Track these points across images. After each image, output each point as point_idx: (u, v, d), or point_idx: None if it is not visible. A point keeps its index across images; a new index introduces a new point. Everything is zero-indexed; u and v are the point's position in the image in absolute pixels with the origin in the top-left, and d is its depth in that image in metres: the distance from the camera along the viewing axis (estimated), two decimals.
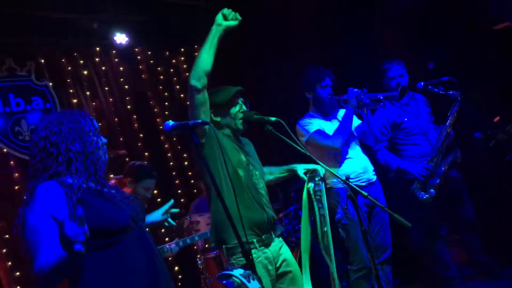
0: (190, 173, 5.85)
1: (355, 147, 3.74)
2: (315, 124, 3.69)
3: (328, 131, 3.64)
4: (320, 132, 3.63)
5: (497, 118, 3.74)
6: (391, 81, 3.95)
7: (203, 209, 4.88)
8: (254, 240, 2.55)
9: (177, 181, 5.72)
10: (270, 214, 2.69)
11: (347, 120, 3.58)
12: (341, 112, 3.80)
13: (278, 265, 2.66)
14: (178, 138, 5.82)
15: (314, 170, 2.79)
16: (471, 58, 4.15)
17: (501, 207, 4.20)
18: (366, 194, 2.42)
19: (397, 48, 4.54)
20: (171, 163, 5.73)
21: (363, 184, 3.64)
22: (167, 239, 4.37)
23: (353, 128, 3.76)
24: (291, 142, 2.71)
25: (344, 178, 2.56)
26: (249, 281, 1.72)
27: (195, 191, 5.76)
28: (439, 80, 3.78)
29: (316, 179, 2.75)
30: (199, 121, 2.05)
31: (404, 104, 4.01)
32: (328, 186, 3.72)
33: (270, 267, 2.61)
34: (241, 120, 2.82)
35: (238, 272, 1.76)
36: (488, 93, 4.00)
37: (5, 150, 4.52)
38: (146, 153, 5.52)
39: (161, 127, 5.78)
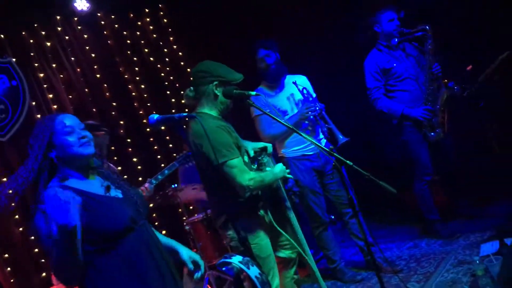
0: (167, 137, 5.80)
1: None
2: (263, 105, 3.68)
3: (272, 111, 3.69)
4: (263, 120, 3.78)
5: (470, 67, 3.79)
6: (390, 23, 3.98)
7: (192, 179, 4.85)
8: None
9: (155, 147, 5.67)
10: None
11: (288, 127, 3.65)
12: (289, 84, 3.89)
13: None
14: (152, 103, 5.73)
15: (261, 151, 3.04)
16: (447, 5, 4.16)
17: (479, 152, 4.35)
18: (351, 163, 2.45)
19: None
20: (148, 130, 5.65)
21: (311, 153, 3.88)
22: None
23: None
24: (272, 116, 2.73)
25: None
26: (248, 268, 1.76)
27: (174, 155, 5.72)
28: (413, 35, 3.81)
29: (261, 157, 3.00)
30: (184, 114, 2.02)
31: (391, 50, 4.06)
32: (279, 155, 3.91)
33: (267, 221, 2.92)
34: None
35: (236, 260, 1.80)
36: (463, 42, 4.03)
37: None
38: (121, 122, 5.42)
39: (134, 94, 5.67)
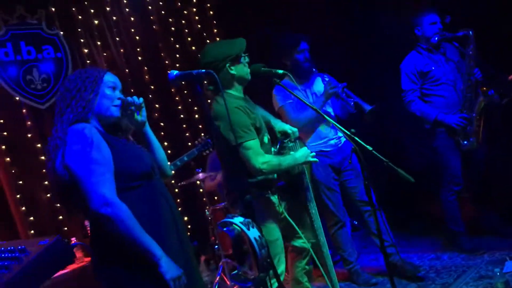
0: (200, 126, 5.86)
1: (327, 109, 3.83)
2: (289, 95, 3.63)
3: (300, 103, 3.65)
4: (290, 107, 3.74)
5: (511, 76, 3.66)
6: (432, 26, 3.89)
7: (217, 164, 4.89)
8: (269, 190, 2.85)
9: (187, 134, 5.74)
10: None
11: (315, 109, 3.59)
12: (318, 81, 3.90)
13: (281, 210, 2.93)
14: (188, 90, 5.82)
15: (285, 134, 3.03)
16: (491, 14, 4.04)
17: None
18: (371, 148, 2.41)
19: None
20: (181, 116, 5.74)
21: (328, 149, 3.83)
22: None
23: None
24: (297, 96, 2.72)
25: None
26: (248, 229, 1.75)
27: (208, 151, 5.77)
28: (454, 35, 3.72)
29: (286, 141, 2.99)
30: (203, 70, 2.04)
31: (431, 53, 3.96)
32: None
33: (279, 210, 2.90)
34: (249, 71, 2.84)
35: (238, 220, 1.79)
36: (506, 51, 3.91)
37: (17, 98, 4.56)
38: (156, 105, 5.53)
39: None
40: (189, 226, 5.53)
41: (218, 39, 6.21)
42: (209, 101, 2.93)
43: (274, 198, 2.89)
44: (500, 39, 4.00)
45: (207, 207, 4.71)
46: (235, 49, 2.81)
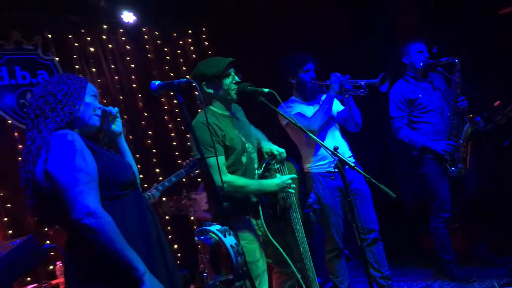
0: (192, 153, 5.86)
1: (334, 132, 3.76)
2: (296, 107, 3.72)
3: (308, 115, 3.66)
4: (299, 115, 3.66)
5: (498, 102, 3.71)
6: (419, 55, 3.96)
7: None
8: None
9: (179, 161, 5.74)
10: None
11: (327, 104, 3.60)
12: (324, 98, 3.82)
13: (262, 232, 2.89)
14: (182, 119, 5.85)
15: (272, 155, 2.98)
16: (480, 41, 4.13)
17: (501, 194, 4.17)
18: (353, 165, 2.43)
19: (408, 32, 4.51)
20: (174, 143, 5.76)
21: (336, 170, 3.65)
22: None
23: (334, 113, 3.80)
24: (283, 114, 2.74)
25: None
26: (225, 236, 1.74)
27: (197, 171, 5.78)
28: (438, 61, 3.79)
29: (271, 165, 2.94)
30: (184, 80, 2.07)
31: (418, 81, 4.03)
32: (304, 171, 3.80)
33: (259, 233, 2.85)
34: (235, 91, 2.88)
35: (215, 228, 1.78)
36: (493, 77, 3.98)
37: (9, 121, 4.59)
38: (149, 132, 5.56)
39: (166, 107, 5.83)
40: (178, 255, 5.47)
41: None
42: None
43: (254, 221, 2.87)
44: (485, 65, 4.07)
45: (203, 258, 4.67)
46: (212, 70, 2.87)
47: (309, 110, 3.74)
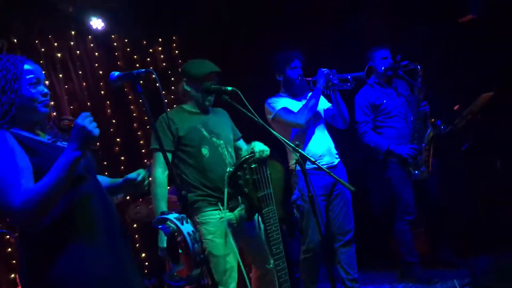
0: None
1: (320, 129, 3.76)
2: (282, 102, 3.72)
3: (295, 109, 3.66)
4: (285, 109, 3.65)
5: (457, 106, 3.82)
6: (383, 61, 4.07)
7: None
8: (219, 203, 2.88)
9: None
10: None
11: (313, 98, 3.60)
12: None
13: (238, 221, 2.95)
14: (151, 126, 5.82)
15: (250, 155, 2.87)
16: (439, 48, 4.27)
17: (463, 198, 4.28)
18: (313, 159, 2.46)
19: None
20: (143, 150, 5.72)
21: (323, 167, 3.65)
22: None
23: (321, 111, 3.81)
24: (245, 112, 2.76)
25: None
26: (182, 224, 1.74)
27: None
28: (399, 64, 3.90)
29: (248, 163, 2.81)
30: (142, 70, 2.08)
31: (383, 87, 4.12)
32: (289, 168, 3.79)
33: (234, 226, 2.92)
34: (209, 102, 3.05)
35: (172, 216, 1.78)
36: (452, 83, 4.11)
37: None
38: (117, 139, 5.52)
39: (134, 115, 5.80)
40: (146, 263, 5.40)
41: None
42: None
43: (223, 214, 2.89)
44: (445, 70, 4.20)
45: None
46: (195, 71, 3.00)
47: (296, 105, 3.72)
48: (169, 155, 2.89)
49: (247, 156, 2.81)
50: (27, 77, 1.89)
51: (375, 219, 4.72)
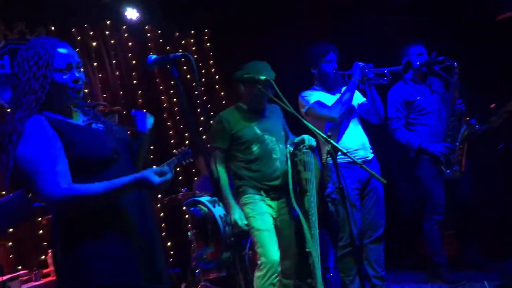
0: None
1: (354, 123, 3.70)
2: (316, 95, 3.68)
3: (329, 103, 3.61)
4: (319, 103, 3.61)
5: (493, 105, 3.73)
6: (419, 57, 3.98)
7: (205, 188, 4.90)
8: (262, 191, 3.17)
9: None
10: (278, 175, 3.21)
11: (348, 92, 3.55)
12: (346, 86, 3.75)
13: (275, 216, 3.20)
14: (181, 118, 5.89)
15: (302, 140, 3.15)
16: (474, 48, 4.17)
17: (495, 199, 4.18)
18: (345, 151, 2.45)
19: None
20: (172, 141, 5.79)
21: (357, 161, 3.59)
22: None
23: (356, 105, 3.76)
24: (279, 102, 2.77)
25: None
26: (214, 206, 1.75)
27: (193, 170, 5.81)
28: (434, 60, 3.82)
29: (301, 146, 3.12)
30: (179, 54, 2.09)
31: (417, 84, 4.05)
32: (323, 162, 3.75)
33: (272, 212, 3.18)
34: (262, 104, 3.27)
35: (205, 199, 1.79)
36: (488, 82, 4.01)
37: (9, 110, 4.61)
38: None
39: (165, 105, 5.87)
40: (171, 252, 5.46)
41: (213, 70, 6.36)
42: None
43: (267, 200, 3.17)
44: (483, 69, 4.10)
45: (190, 231, 4.65)
46: (249, 72, 3.11)
47: (330, 99, 3.66)
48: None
49: (299, 141, 3.16)
50: (59, 62, 1.89)
51: (404, 218, 4.64)
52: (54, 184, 1.74)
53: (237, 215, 3.07)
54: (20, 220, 1.75)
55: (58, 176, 1.76)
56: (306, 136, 3.17)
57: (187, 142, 5.77)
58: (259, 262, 3.03)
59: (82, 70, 1.99)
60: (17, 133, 1.78)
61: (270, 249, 3.03)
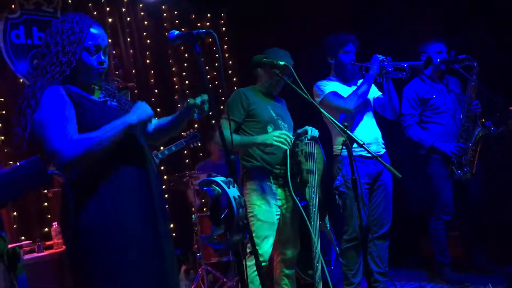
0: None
1: (369, 117, 3.65)
2: (331, 85, 3.63)
3: (344, 94, 3.57)
4: (334, 93, 3.56)
5: None
6: (439, 55, 3.93)
7: (206, 170, 4.91)
8: (271, 177, 3.08)
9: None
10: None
11: (365, 84, 3.50)
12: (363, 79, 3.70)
13: (280, 204, 3.11)
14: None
15: (304, 131, 3.08)
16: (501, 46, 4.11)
17: (504, 203, 4.13)
18: (362, 142, 2.41)
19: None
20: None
21: (369, 155, 3.43)
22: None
23: (371, 99, 3.71)
24: (296, 88, 2.72)
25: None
26: (229, 187, 1.73)
27: (200, 154, 5.79)
28: (455, 58, 3.77)
29: (303, 136, 3.06)
30: (203, 30, 2.07)
31: (434, 82, 4.00)
32: (334, 153, 3.71)
33: (278, 203, 3.10)
34: (276, 88, 3.25)
35: (219, 179, 1.77)
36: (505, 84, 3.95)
37: (21, 80, 4.60)
38: (158, 109, 5.55)
39: (176, 87, 5.83)
40: (173, 234, 5.44)
41: (227, 55, 6.31)
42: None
43: (274, 188, 3.08)
44: (503, 71, 4.04)
45: (195, 214, 4.64)
46: (268, 58, 3.02)
47: (345, 90, 3.62)
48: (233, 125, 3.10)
49: (301, 131, 3.07)
50: (89, 43, 1.94)
51: (410, 216, 4.61)
52: (60, 139, 1.79)
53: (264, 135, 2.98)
54: (34, 186, 1.75)
55: (68, 132, 1.81)
56: (309, 127, 3.08)
57: (196, 125, 5.74)
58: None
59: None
60: (36, 99, 1.85)
61: (266, 242, 3.01)
